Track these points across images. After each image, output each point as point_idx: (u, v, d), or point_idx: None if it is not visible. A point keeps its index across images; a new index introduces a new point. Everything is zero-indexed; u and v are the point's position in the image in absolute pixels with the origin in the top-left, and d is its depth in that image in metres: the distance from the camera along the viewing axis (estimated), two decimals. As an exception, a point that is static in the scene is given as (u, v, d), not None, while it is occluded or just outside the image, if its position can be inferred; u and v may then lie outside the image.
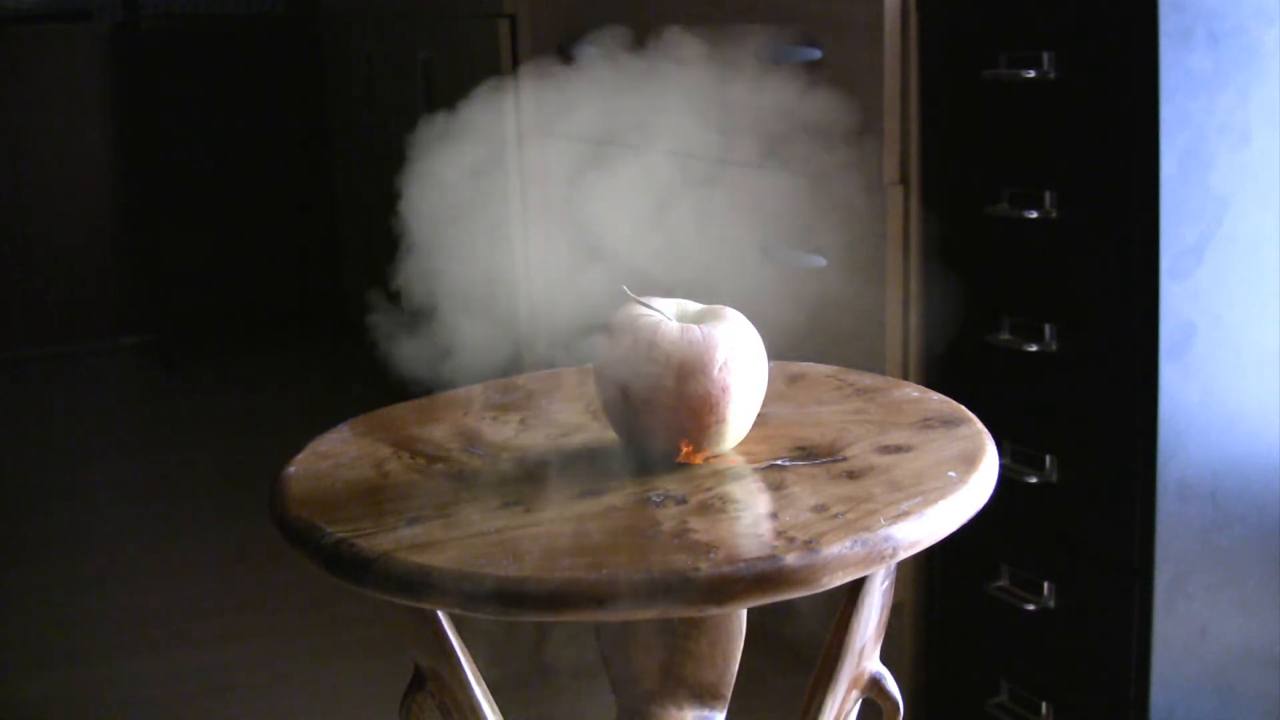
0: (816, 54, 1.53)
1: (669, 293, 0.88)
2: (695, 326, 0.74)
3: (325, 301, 3.89)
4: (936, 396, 0.85)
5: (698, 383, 0.72)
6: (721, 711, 0.83)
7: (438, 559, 0.64)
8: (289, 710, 1.76)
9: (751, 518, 0.67)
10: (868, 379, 0.89)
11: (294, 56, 3.84)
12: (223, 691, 1.81)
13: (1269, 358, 1.29)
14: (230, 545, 2.31)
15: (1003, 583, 1.43)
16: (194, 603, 2.10)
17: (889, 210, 1.47)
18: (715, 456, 0.76)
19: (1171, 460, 1.25)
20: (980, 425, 0.79)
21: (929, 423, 0.80)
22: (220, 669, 1.88)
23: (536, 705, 1.72)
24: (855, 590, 0.75)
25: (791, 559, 0.62)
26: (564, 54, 2.12)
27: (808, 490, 0.70)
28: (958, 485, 0.70)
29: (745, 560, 0.62)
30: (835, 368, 0.92)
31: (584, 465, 0.76)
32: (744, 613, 0.82)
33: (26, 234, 3.67)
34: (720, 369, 0.73)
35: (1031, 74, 1.29)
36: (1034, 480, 1.36)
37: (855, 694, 0.78)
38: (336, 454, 0.80)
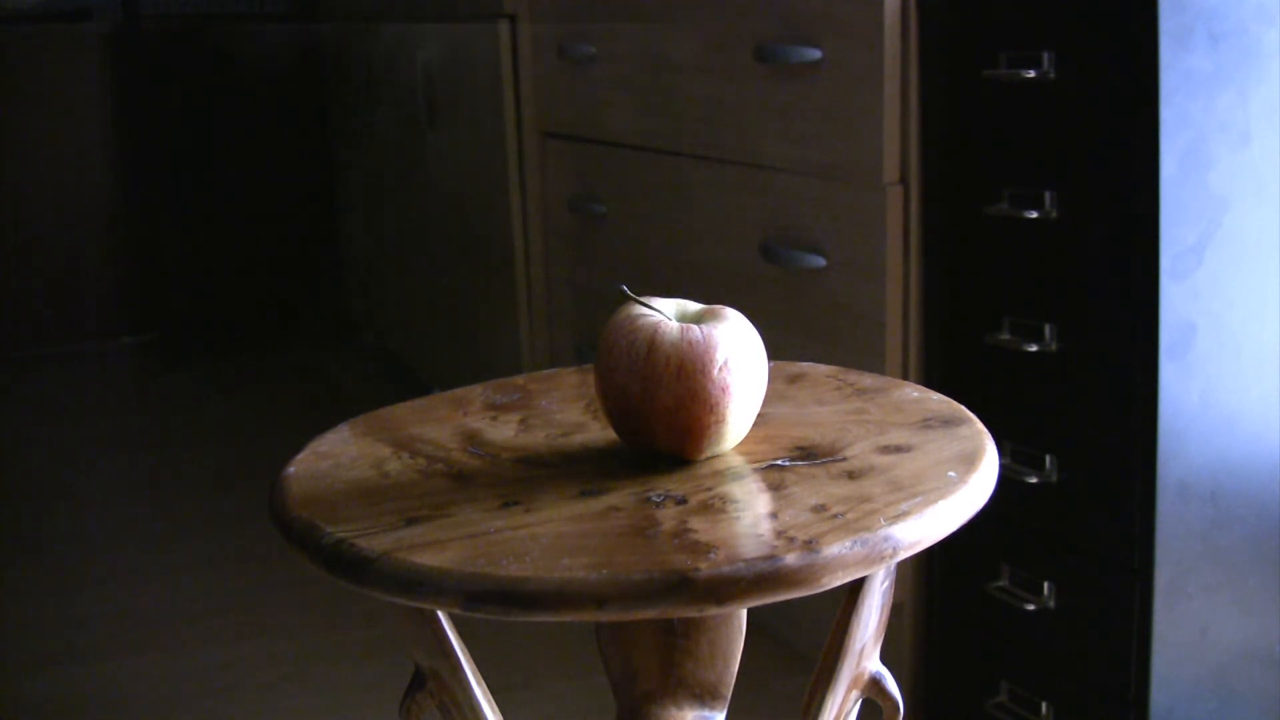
0: (816, 54, 1.53)
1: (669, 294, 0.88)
2: (695, 326, 0.74)
3: (326, 301, 3.89)
4: (936, 396, 0.85)
5: (698, 383, 0.72)
6: (721, 711, 0.83)
7: (438, 559, 0.64)
8: (289, 710, 1.76)
9: (751, 518, 0.67)
10: (868, 379, 0.89)
11: (294, 57, 3.84)
12: (223, 691, 1.81)
13: (1269, 358, 1.29)
14: (230, 545, 2.31)
15: (1003, 583, 1.43)
16: (194, 603, 2.10)
17: (889, 210, 1.47)
18: (715, 456, 0.76)
19: (1171, 460, 1.25)
20: (980, 425, 0.79)
21: (929, 423, 0.80)
22: (220, 669, 1.88)
23: (536, 705, 1.72)
24: (855, 590, 0.75)
25: (791, 559, 0.62)
26: (564, 54, 2.12)
27: (808, 490, 0.70)
28: (958, 485, 0.70)
29: (745, 560, 0.62)
30: (835, 368, 0.92)
31: (584, 465, 0.76)
32: (744, 613, 0.82)
33: (26, 234, 3.67)
34: (720, 369, 0.73)
35: (1031, 74, 1.29)
36: (1034, 480, 1.36)
37: (855, 694, 0.78)
38: (336, 454, 0.80)
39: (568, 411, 0.86)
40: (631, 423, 0.74)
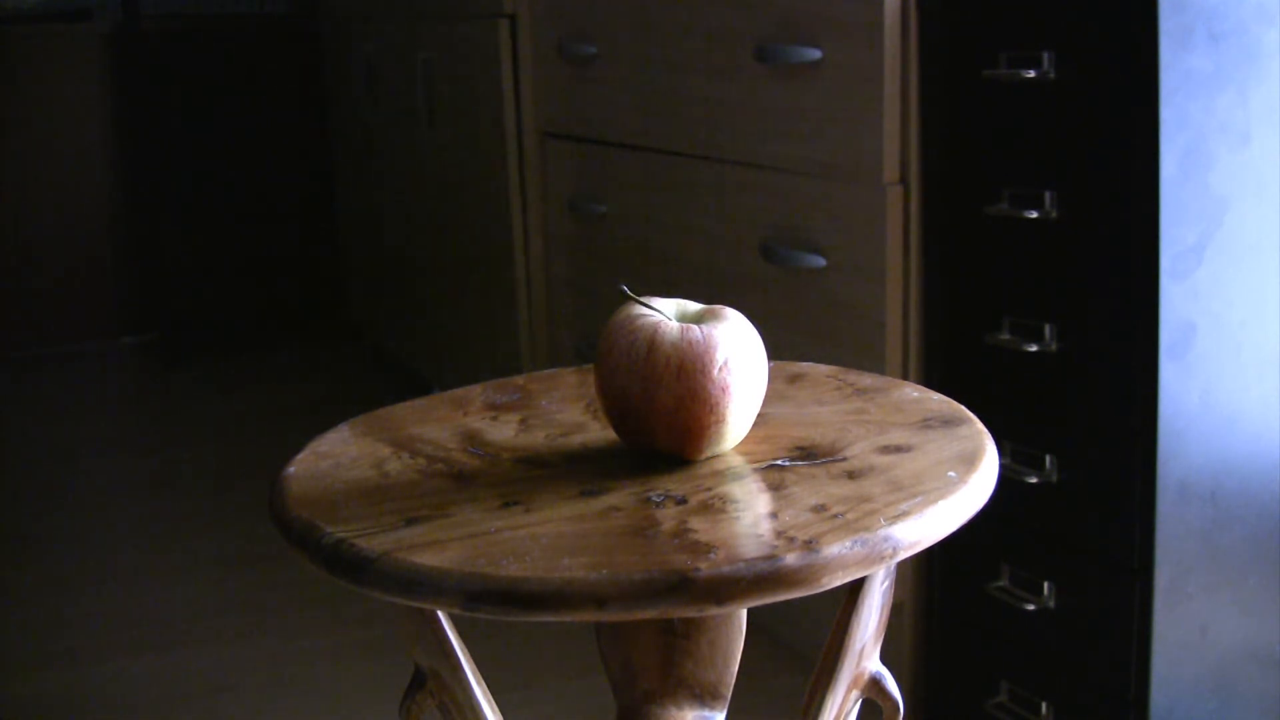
0: (816, 54, 1.53)
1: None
2: (695, 326, 0.74)
3: (326, 301, 3.89)
4: (936, 396, 0.85)
5: (698, 383, 0.72)
6: (721, 711, 0.83)
7: (438, 559, 0.64)
8: (289, 710, 1.76)
9: (751, 518, 0.67)
10: (868, 379, 0.89)
11: (294, 57, 3.84)
12: (223, 691, 1.81)
13: (1269, 358, 1.29)
14: (230, 545, 2.31)
15: (1003, 583, 1.43)
16: (194, 603, 2.10)
17: (889, 210, 1.47)
18: (715, 456, 0.76)
19: (1171, 460, 1.25)
20: (980, 425, 0.79)
21: (929, 423, 0.80)
22: (220, 669, 1.88)
23: (536, 705, 1.72)
24: (855, 590, 0.75)
25: (791, 559, 0.62)
26: (564, 54, 2.12)
27: (808, 490, 0.70)
28: (958, 485, 0.70)
29: (745, 560, 0.62)
30: (835, 368, 0.92)
31: (584, 465, 0.76)
32: (744, 613, 0.82)
33: (26, 234, 3.67)
34: (720, 369, 0.73)
35: (1031, 74, 1.29)
36: (1034, 480, 1.36)
37: (855, 694, 0.78)
38: (336, 454, 0.80)
39: (568, 411, 0.86)
40: (631, 423, 0.74)
